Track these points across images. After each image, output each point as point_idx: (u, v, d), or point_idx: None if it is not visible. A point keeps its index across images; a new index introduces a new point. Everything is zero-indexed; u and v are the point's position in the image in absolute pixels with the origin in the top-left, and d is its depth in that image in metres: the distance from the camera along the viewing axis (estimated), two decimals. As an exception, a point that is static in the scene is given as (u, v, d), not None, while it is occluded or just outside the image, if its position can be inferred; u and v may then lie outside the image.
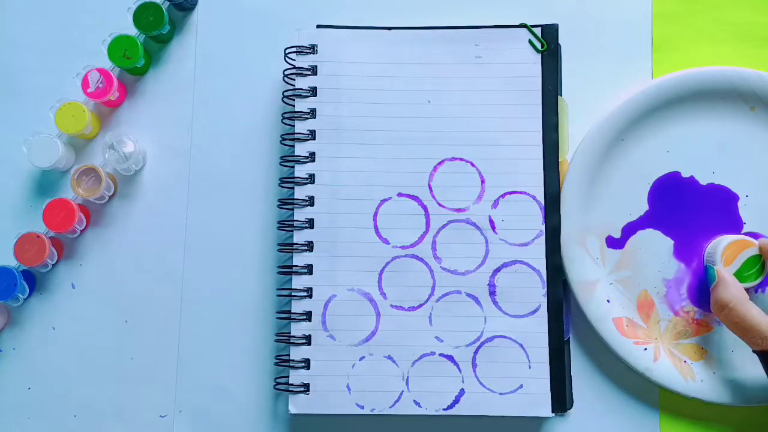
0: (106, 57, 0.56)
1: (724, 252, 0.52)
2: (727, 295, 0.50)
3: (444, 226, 0.54)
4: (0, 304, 0.56)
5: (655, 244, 0.55)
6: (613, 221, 0.55)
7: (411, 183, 0.54)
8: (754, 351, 0.49)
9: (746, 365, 0.53)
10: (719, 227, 0.55)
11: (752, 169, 0.55)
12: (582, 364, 0.55)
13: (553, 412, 0.52)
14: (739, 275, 0.52)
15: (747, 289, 0.51)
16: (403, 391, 0.53)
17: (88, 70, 0.56)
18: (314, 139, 0.55)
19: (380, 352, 0.53)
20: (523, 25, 0.56)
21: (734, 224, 0.55)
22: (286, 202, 0.55)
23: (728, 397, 0.53)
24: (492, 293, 0.53)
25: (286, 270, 0.54)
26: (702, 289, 0.55)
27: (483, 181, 0.54)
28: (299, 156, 0.55)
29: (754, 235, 0.54)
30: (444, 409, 0.53)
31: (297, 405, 0.53)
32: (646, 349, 0.54)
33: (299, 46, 0.56)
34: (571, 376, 0.54)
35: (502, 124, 0.55)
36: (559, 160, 0.55)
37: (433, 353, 0.53)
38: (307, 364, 0.53)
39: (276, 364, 0.55)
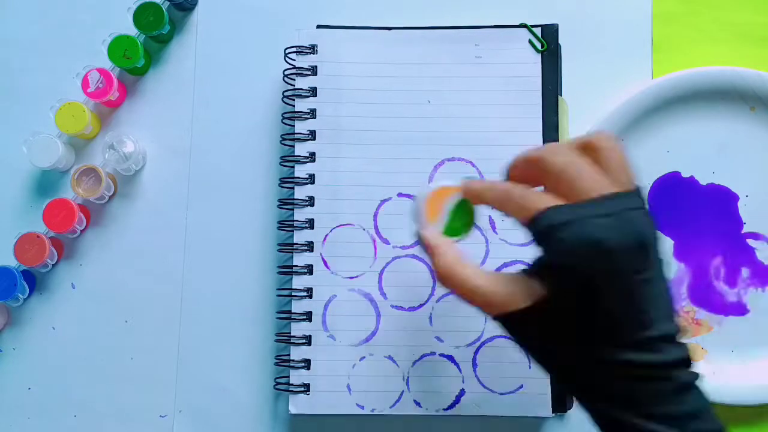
0: (106, 57, 0.56)
1: (427, 207, 0.44)
2: (438, 263, 0.41)
3: (444, 226, 0.54)
4: (0, 304, 0.56)
5: (655, 244, 0.55)
6: (613, 221, 0.55)
7: (411, 183, 0.54)
8: (494, 318, 0.40)
9: (746, 365, 0.53)
10: (719, 227, 0.55)
11: (752, 169, 0.55)
12: (582, 364, 0.55)
13: (553, 412, 0.52)
14: (449, 230, 0.44)
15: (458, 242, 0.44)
16: (403, 391, 0.53)
17: (88, 70, 0.56)
18: (314, 139, 0.55)
19: (380, 352, 0.53)
20: (523, 25, 0.55)
21: (734, 224, 0.55)
22: (286, 202, 0.55)
23: (728, 397, 0.53)
24: (492, 293, 0.53)
25: (286, 270, 0.54)
26: (703, 289, 0.55)
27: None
28: (299, 156, 0.55)
29: (755, 236, 0.54)
30: (444, 410, 0.53)
31: (297, 405, 0.53)
32: (646, 349, 0.54)
33: (299, 46, 0.56)
34: (571, 376, 0.54)
35: (502, 124, 0.55)
36: (559, 160, 0.54)
37: (433, 353, 0.53)
38: (307, 364, 0.53)
39: (276, 364, 0.55)
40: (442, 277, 0.41)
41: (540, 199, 0.38)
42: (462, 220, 0.44)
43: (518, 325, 0.39)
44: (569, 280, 0.37)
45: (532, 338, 0.40)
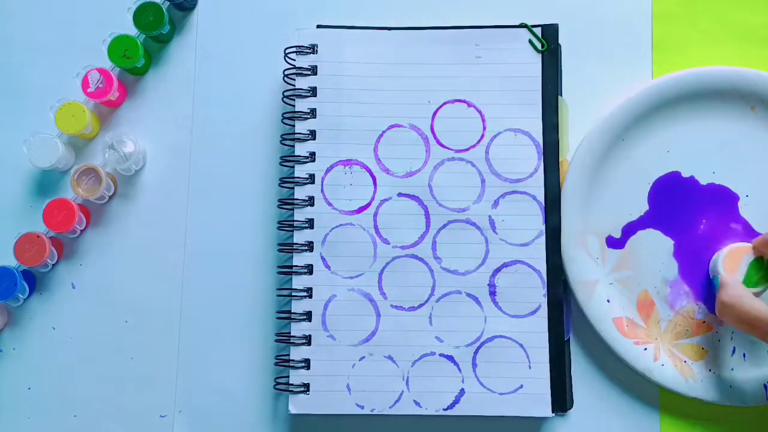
0: (106, 57, 0.56)
1: (725, 262, 0.52)
2: (728, 293, 0.49)
3: (444, 226, 0.54)
4: (0, 304, 0.56)
5: (655, 244, 0.55)
6: (613, 221, 0.55)
7: (411, 183, 0.54)
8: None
9: (746, 365, 0.53)
10: (720, 227, 0.55)
11: (752, 169, 0.55)
12: (582, 364, 0.55)
13: (553, 412, 0.52)
14: (749, 282, 0.51)
15: (758, 294, 0.51)
16: (403, 391, 0.53)
17: (88, 70, 0.56)
18: (314, 139, 0.55)
19: (380, 352, 0.53)
20: (523, 25, 0.56)
21: (735, 224, 0.55)
22: (286, 202, 0.55)
23: (728, 397, 0.53)
24: (492, 293, 0.53)
25: (286, 270, 0.54)
26: (704, 286, 0.55)
27: (483, 181, 0.54)
28: (299, 156, 0.55)
29: (756, 236, 0.54)
30: (444, 409, 0.53)
31: (297, 405, 0.53)
32: (646, 349, 0.54)
33: (299, 46, 0.56)
34: (571, 376, 0.54)
35: (502, 124, 0.55)
36: (559, 160, 0.55)
37: (433, 353, 0.53)
38: (307, 364, 0.53)
39: (276, 364, 0.55)
40: (725, 304, 0.49)
41: None
42: (759, 273, 0.51)
43: None
44: None
45: None
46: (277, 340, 0.54)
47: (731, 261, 0.52)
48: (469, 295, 0.54)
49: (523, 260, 0.54)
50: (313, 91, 0.55)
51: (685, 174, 0.55)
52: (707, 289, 0.54)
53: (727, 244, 0.53)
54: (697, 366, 0.54)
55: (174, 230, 0.57)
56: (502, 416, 0.53)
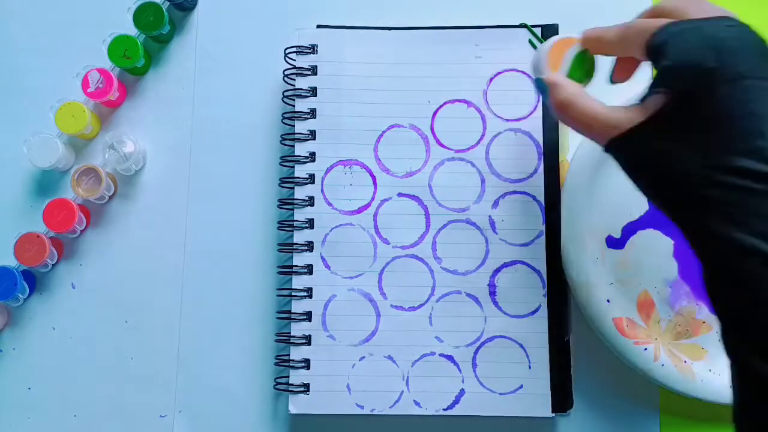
0: (106, 57, 0.56)
1: (548, 58, 0.46)
2: (560, 94, 0.44)
3: (444, 226, 0.54)
4: (0, 304, 0.56)
5: (655, 244, 0.55)
6: (613, 221, 0.55)
7: (411, 183, 0.54)
8: (605, 149, 0.41)
9: (746, 365, 0.53)
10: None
11: (752, 169, 0.55)
12: (582, 364, 0.55)
13: (553, 412, 0.52)
14: (571, 76, 0.46)
15: None
16: (403, 391, 0.53)
17: (88, 70, 0.56)
18: (314, 139, 0.55)
19: (380, 352, 0.53)
20: (523, 25, 0.56)
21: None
22: (286, 202, 0.55)
23: (728, 397, 0.53)
24: (492, 293, 0.53)
25: (286, 270, 0.54)
26: (703, 288, 0.55)
27: (483, 181, 0.54)
28: (299, 156, 0.55)
29: None
30: (444, 410, 0.53)
31: (297, 405, 0.53)
32: (646, 349, 0.54)
33: (299, 46, 0.56)
34: (571, 376, 0.54)
35: (502, 124, 0.55)
36: (559, 160, 0.55)
37: (433, 353, 0.53)
38: (307, 364, 0.53)
39: (276, 364, 0.55)
40: (563, 106, 0.43)
41: (659, 21, 0.39)
42: (583, 69, 0.46)
43: (634, 148, 0.39)
44: (688, 80, 0.37)
45: (645, 162, 0.39)
46: (277, 340, 0.54)
47: (554, 56, 0.46)
48: (469, 295, 0.54)
49: (523, 260, 0.54)
50: (313, 91, 0.55)
51: (685, 174, 0.55)
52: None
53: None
54: (697, 366, 0.54)
55: (174, 230, 0.57)
56: (502, 416, 0.53)
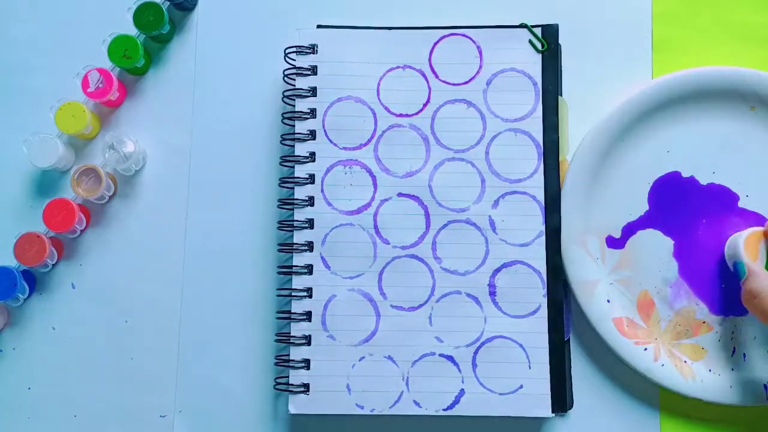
0: (106, 57, 0.56)
1: (746, 247, 0.51)
2: (757, 285, 0.49)
3: (444, 227, 0.54)
4: (0, 304, 0.56)
5: (655, 244, 0.55)
6: (613, 221, 0.55)
7: (411, 183, 0.54)
8: None
9: (746, 365, 0.53)
10: (720, 227, 0.55)
11: (753, 169, 0.55)
12: (582, 364, 0.55)
13: (553, 412, 0.52)
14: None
15: None
16: (403, 392, 0.53)
17: (88, 70, 0.56)
18: (314, 139, 0.55)
19: (380, 352, 0.53)
20: (523, 25, 0.56)
21: (735, 224, 0.55)
22: (286, 202, 0.55)
23: (728, 397, 0.53)
24: (492, 293, 0.53)
25: (286, 270, 0.54)
26: (705, 285, 0.55)
27: (483, 181, 0.54)
28: (299, 156, 0.55)
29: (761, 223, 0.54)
30: (444, 410, 0.53)
31: (297, 405, 0.53)
32: (646, 349, 0.54)
33: (299, 46, 0.56)
34: (571, 376, 0.54)
35: (502, 124, 0.55)
36: (559, 160, 0.55)
37: (433, 353, 0.53)
38: (307, 364, 0.53)
39: (276, 364, 0.55)
40: (754, 294, 0.49)
41: None
42: None
43: None
44: None
45: None
46: (277, 340, 0.54)
47: (751, 247, 0.52)
48: (469, 295, 0.54)
49: (523, 260, 0.54)
50: (313, 91, 0.55)
51: (685, 174, 0.55)
52: (711, 285, 0.54)
53: (739, 231, 0.53)
54: (697, 366, 0.54)
55: (174, 230, 0.57)
56: (502, 416, 0.53)
